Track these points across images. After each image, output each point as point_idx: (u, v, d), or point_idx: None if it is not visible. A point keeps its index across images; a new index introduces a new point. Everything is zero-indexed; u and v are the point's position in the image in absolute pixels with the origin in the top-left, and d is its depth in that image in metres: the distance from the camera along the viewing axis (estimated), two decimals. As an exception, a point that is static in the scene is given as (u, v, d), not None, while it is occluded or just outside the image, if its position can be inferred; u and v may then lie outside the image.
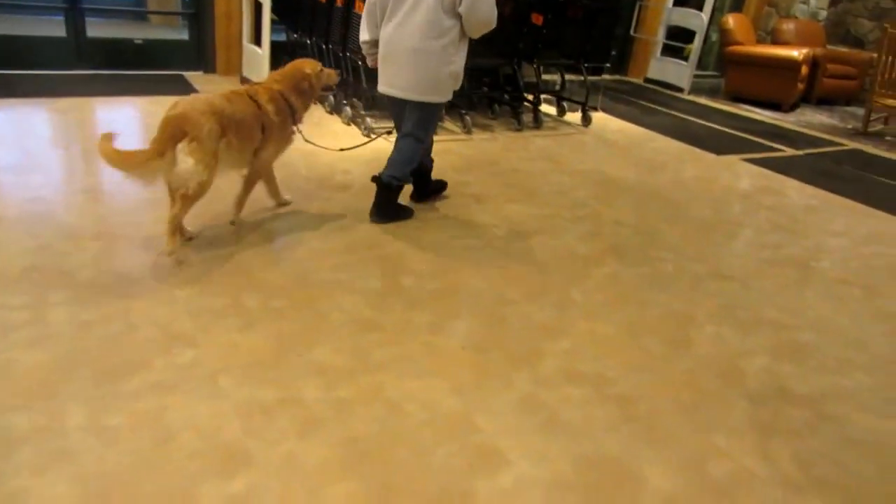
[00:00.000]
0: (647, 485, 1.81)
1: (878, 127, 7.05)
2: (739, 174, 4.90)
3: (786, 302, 2.99)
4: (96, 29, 5.70)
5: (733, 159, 5.27)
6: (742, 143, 5.88)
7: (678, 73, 7.91)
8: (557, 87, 6.11)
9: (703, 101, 7.60)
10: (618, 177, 4.50)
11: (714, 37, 8.88)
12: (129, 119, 4.59)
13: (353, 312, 2.47)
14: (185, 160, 2.51)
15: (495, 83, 5.86)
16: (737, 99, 7.76)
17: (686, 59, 7.87)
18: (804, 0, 8.83)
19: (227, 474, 1.68)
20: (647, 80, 8.31)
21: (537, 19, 5.28)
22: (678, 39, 8.01)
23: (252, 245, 2.93)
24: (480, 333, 2.44)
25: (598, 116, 6.09)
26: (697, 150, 5.40)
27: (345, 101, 4.88)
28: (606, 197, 4.08)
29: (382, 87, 3.20)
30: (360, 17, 4.69)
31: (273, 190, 3.28)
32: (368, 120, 4.61)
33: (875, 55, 6.77)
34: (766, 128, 6.61)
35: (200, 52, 6.09)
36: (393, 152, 3.28)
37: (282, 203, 3.34)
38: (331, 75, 3.23)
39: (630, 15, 8.14)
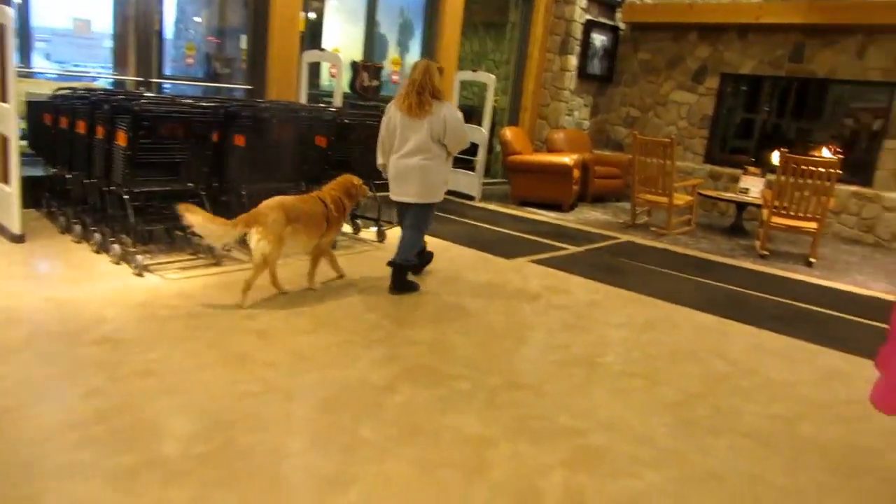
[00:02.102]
0: None
1: (644, 219, 7.89)
2: (528, 276, 5.11)
3: (577, 404, 3.02)
4: None
5: (522, 262, 5.51)
6: (529, 244, 6.22)
7: (469, 182, 8.35)
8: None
9: (493, 206, 8.05)
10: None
11: (498, 147, 9.59)
12: None
13: None
14: (253, 238, 3.73)
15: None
16: (523, 203, 8.33)
17: (474, 169, 8.36)
18: (569, 112, 9.91)
19: None
20: (442, 191, 8.67)
21: (321, 141, 5.31)
22: (467, 152, 8.50)
23: (-32, 430, 2.38)
24: (255, 502, 2.12)
25: (392, 231, 6.13)
26: (489, 256, 5.60)
27: (112, 238, 4.42)
28: (400, 315, 4.00)
29: (396, 197, 4.41)
30: (122, 149, 4.37)
31: (334, 266, 4.46)
32: (139, 258, 4.19)
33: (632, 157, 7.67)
34: (551, 228, 7.09)
35: (-63, 194, 5.30)
36: (401, 241, 4.44)
37: (340, 275, 4.48)
38: (365, 190, 4.46)
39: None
